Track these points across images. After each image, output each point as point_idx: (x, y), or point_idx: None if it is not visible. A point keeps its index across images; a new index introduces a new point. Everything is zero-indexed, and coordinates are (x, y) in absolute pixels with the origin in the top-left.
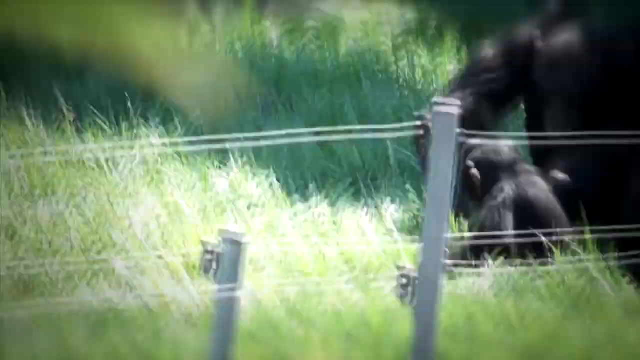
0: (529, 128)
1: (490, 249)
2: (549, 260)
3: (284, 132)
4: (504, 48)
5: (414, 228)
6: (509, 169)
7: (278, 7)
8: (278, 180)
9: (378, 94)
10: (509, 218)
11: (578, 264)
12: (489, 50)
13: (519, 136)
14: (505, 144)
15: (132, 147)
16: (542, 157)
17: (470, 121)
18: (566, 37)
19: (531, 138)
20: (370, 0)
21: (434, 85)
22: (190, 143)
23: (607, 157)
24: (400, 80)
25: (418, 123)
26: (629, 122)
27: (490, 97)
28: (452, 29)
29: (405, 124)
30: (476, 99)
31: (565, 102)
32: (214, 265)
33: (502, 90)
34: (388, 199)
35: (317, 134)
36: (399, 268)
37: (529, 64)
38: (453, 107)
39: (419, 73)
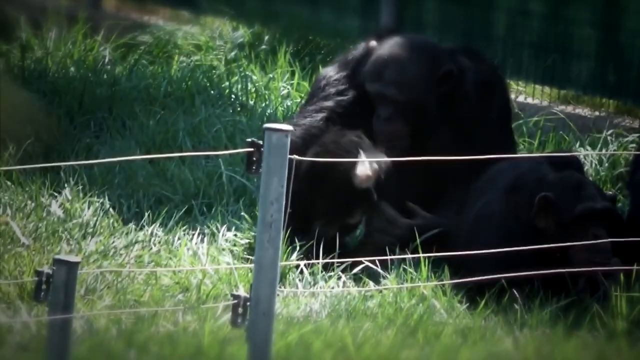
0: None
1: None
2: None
3: (117, 159)
4: (346, 66)
5: (248, 252)
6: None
7: (111, 25)
8: (113, 206)
9: (211, 112)
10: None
11: (411, 285)
12: (332, 69)
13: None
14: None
15: None
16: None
17: (310, 136)
18: (393, 45)
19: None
20: (203, 18)
21: (267, 103)
22: (24, 169)
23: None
24: (233, 99)
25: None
26: (456, 131)
27: (335, 114)
28: (285, 47)
29: (239, 149)
30: (325, 119)
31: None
32: (47, 290)
33: (349, 110)
34: (223, 224)
35: (151, 160)
36: (232, 292)
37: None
38: (285, 129)
39: (252, 91)
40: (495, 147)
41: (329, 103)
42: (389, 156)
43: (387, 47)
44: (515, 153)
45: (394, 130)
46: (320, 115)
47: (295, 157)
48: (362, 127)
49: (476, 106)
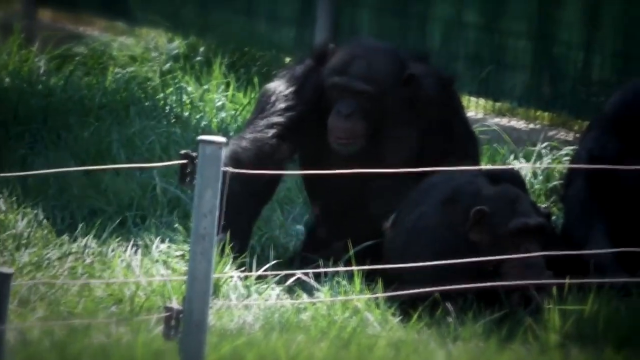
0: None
1: None
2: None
3: (51, 170)
4: (294, 81)
5: (182, 264)
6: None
7: (46, 36)
8: (46, 217)
9: (145, 124)
10: None
11: (344, 298)
12: (281, 84)
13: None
14: None
15: None
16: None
17: (272, 157)
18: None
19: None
20: (138, 30)
21: (202, 115)
22: None
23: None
24: (168, 110)
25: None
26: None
27: (286, 130)
28: (220, 58)
29: (174, 161)
30: (271, 133)
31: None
32: None
33: (299, 125)
34: (156, 236)
35: (85, 172)
36: (165, 305)
37: (316, 93)
38: (219, 142)
39: (186, 103)
40: (463, 152)
41: (280, 119)
42: (340, 155)
43: (351, 47)
44: (479, 157)
45: (352, 128)
46: (272, 131)
47: (229, 169)
48: (312, 142)
49: (441, 111)
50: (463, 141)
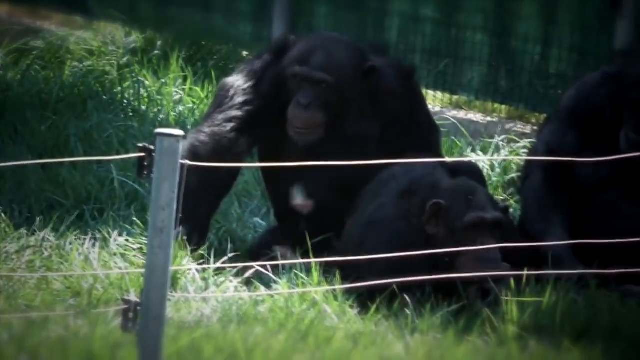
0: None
1: None
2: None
3: (8, 164)
4: (252, 76)
5: (140, 257)
6: None
7: (3, 31)
8: (4, 211)
9: (103, 118)
10: None
11: (302, 290)
12: (239, 78)
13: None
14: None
15: None
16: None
17: (230, 150)
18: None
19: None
20: (95, 24)
21: (160, 108)
22: None
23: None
24: (125, 104)
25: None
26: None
27: (244, 124)
28: (177, 52)
29: (131, 154)
30: (230, 127)
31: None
32: None
33: (257, 120)
34: (114, 229)
35: (43, 166)
36: (123, 297)
37: (275, 87)
38: (177, 135)
39: (144, 96)
40: (426, 143)
41: (239, 113)
42: (299, 144)
43: (312, 39)
44: (441, 149)
45: (311, 118)
46: (230, 125)
47: (187, 162)
48: (271, 136)
49: (403, 102)
50: (426, 132)
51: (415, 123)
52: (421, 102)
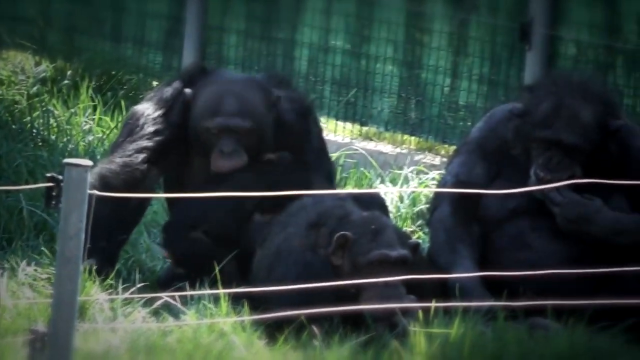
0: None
1: None
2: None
3: None
4: (162, 104)
5: (48, 287)
6: None
7: None
8: None
9: (12, 147)
10: None
11: (210, 321)
12: (149, 107)
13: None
14: None
15: None
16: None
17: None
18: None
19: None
20: (5, 52)
21: (69, 138)
22: None
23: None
24: (34, 133)
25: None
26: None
27: (155, 154)
28: (87, 82)
29: (40, 184)
30: (141, 158)
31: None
32: None
33: (168, 149)
34: (23, 259)
35: None
36: (31, 327)
37: (183, 116)
38: (85, 165)
39: (53, 126)
40: (319, 175)
41: (149, 143)
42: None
43: (215, 84)
44: (334, 181)
45: (237, 163)
46: (142, 156)
47: (95, 192)
48: (180, 165)
49: (297, 133)
50: (318, 165)
51: (309, 155)
52: (316, 136)
